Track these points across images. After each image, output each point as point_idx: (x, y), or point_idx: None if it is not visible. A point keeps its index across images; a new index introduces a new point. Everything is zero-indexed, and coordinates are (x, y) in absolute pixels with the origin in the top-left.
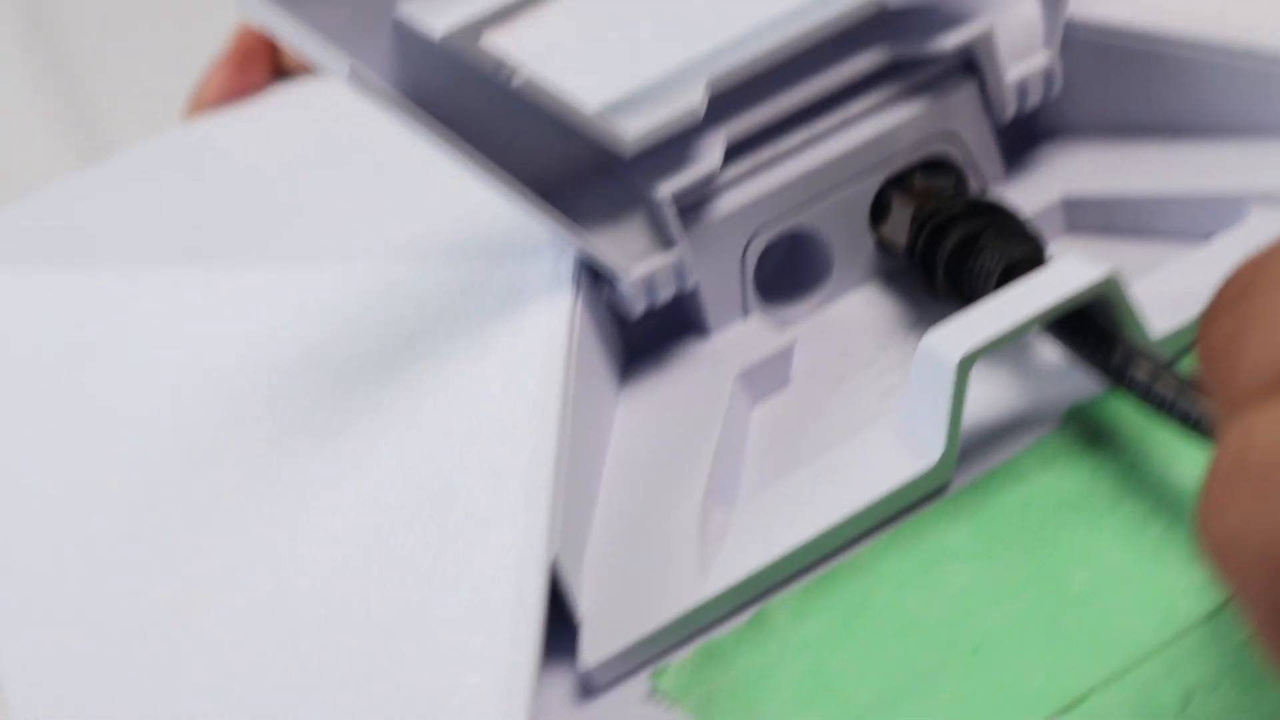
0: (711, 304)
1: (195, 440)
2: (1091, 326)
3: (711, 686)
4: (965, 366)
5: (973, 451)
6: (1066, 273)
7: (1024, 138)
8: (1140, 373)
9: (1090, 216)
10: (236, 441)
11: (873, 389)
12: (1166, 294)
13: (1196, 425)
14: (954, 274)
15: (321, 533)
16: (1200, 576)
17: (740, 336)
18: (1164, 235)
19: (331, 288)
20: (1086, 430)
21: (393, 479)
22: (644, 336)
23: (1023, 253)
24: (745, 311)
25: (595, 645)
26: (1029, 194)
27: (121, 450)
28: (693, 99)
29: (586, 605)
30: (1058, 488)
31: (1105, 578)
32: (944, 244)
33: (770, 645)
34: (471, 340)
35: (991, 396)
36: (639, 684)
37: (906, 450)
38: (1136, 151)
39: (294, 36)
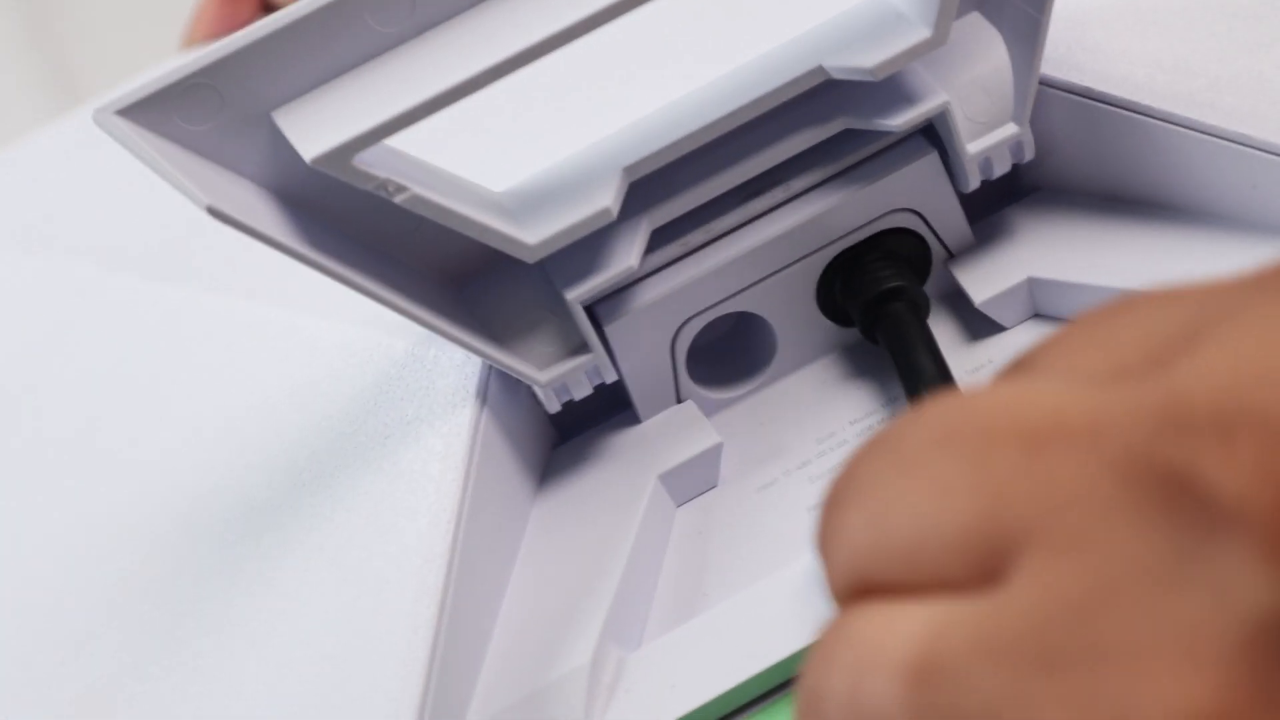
0: (640, 394)
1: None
2: None
3: None
4: None
5: None
6: None
7: (1001, 194)
8: None
9: (1056, 301)
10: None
11: (801, 498)
12: None
13: None
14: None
15: (216, 676)
16: None
17: (672, 426)
18: None
19: (254, 348)
20: None
21: (287, 627)
22: (575, 417)
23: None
24: (679, 398)
25: None
26: (996, 269)
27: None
28: (604, 197)
29: None
30: None
31: None
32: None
33: None
34: (371, 465)
35: None
36: None
37: (811, 608)
38: (1115, 228)
39: (155, 162)
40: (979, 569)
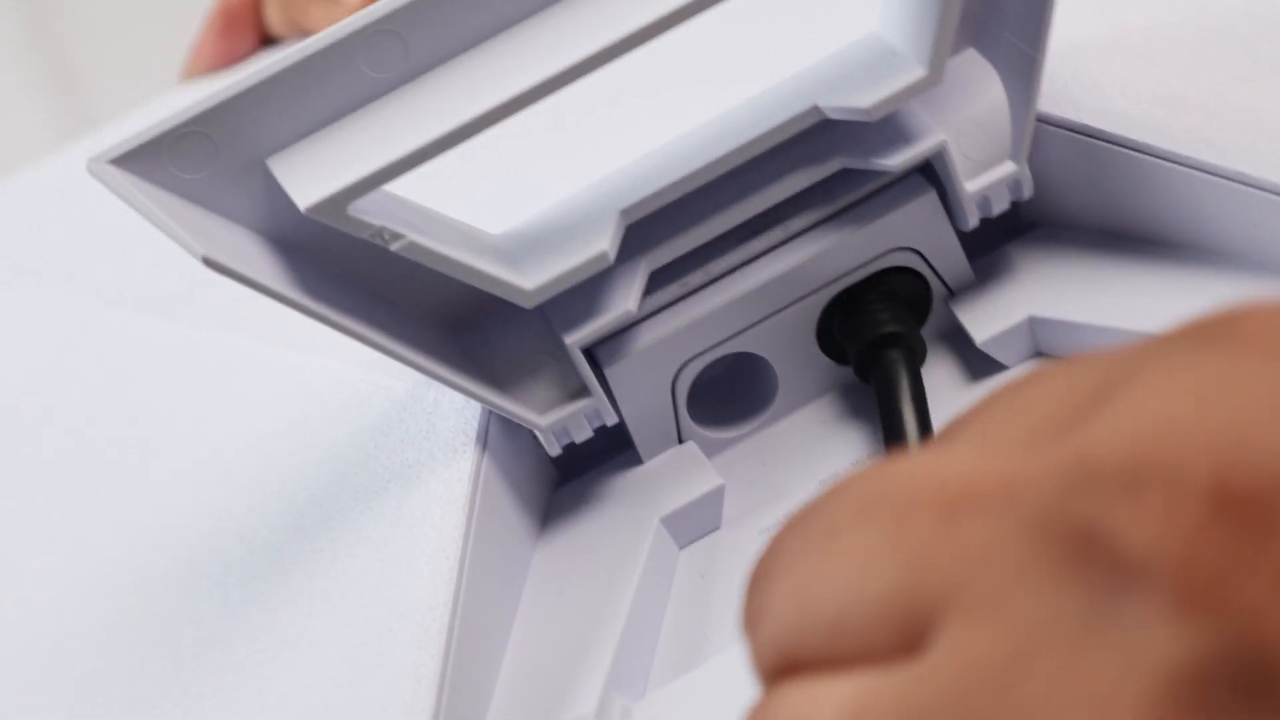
0: (641, 435)
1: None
2: None
3: None
4: None
5: None
6: None
7: (1003, 230)
8: None
9: (1058, 339)
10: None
11: None
12: None
13: None
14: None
15: None
16: None
17: (673, 468)
18: None
19: (252, 392)
20: None
21: (288, 674)
22: (577, 458)
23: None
24: (681, 439)
25: None
26: (996, 308)
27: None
28: (601, 241)
29: None
30: None
31: None
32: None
33: None
34: (373, 509)
35: None
36: None
37: None
38: (1117, 266)
39: (150, 212)
40: (902, 638)
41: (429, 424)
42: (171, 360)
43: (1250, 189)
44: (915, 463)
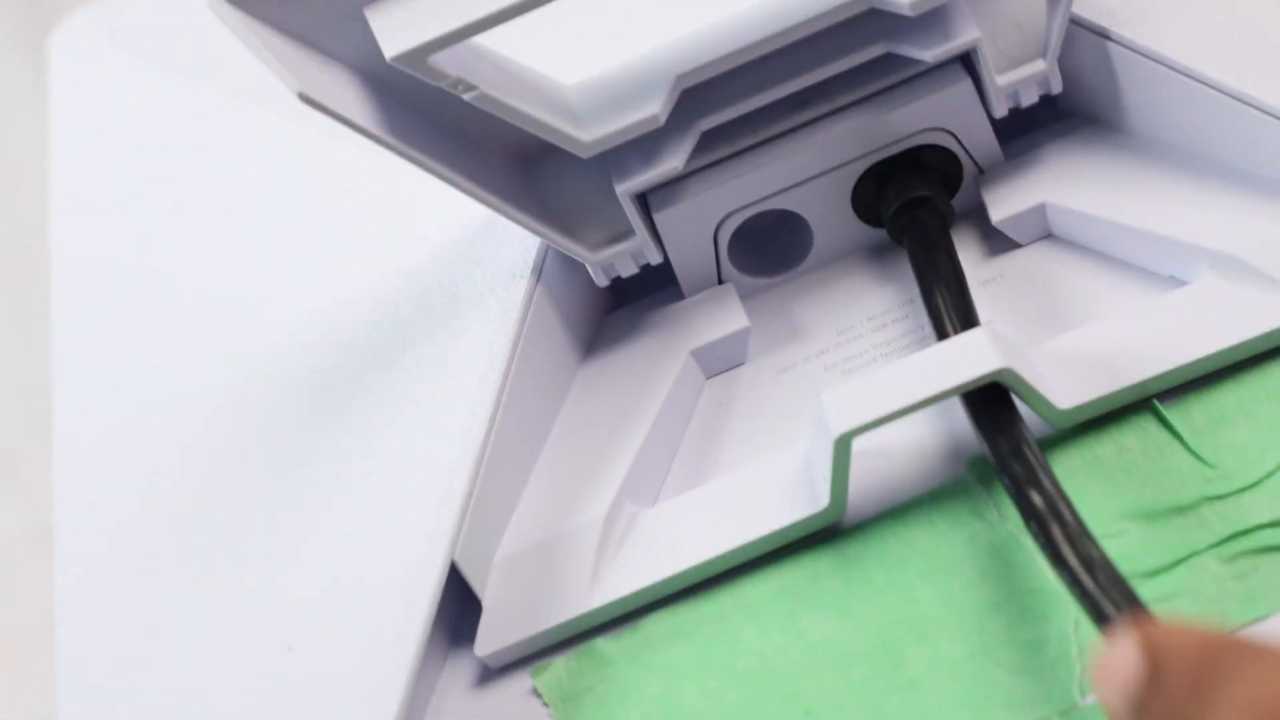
0: (684, 275)
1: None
2: (992, 399)
3: (580, 690)
4: (845, 441)
5: (876, 480)
6: (967, 354)
7: (1038, 116)
8: (1016, 468)
9: (1068, 225)
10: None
11: (812, 384)
12: (1085, 357)
13: (1038, 521)
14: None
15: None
16: (1016, 689)
17: (709, 306)
18: (1128, 266)
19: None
20: (983, 482)
21: (356, 456)
22: (629, 286)
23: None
24: (720, 280)
25: (490, 636)
26: (1016, 191)
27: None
28: (654, 104)
29: (492, 596)
30: (932, 552)
31: (938, 665)
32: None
33: (640, 661)
34: (437, 328)
35: (905, 423)
36: (528, 676)
37: (802, 489)
38: (1139, 165)
39: (256, 48)
40: None
41: (498, 247)
42: (288, 167)
43: (1259, 112)
44: None
